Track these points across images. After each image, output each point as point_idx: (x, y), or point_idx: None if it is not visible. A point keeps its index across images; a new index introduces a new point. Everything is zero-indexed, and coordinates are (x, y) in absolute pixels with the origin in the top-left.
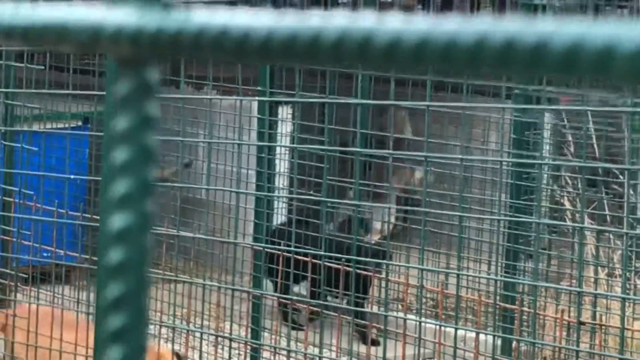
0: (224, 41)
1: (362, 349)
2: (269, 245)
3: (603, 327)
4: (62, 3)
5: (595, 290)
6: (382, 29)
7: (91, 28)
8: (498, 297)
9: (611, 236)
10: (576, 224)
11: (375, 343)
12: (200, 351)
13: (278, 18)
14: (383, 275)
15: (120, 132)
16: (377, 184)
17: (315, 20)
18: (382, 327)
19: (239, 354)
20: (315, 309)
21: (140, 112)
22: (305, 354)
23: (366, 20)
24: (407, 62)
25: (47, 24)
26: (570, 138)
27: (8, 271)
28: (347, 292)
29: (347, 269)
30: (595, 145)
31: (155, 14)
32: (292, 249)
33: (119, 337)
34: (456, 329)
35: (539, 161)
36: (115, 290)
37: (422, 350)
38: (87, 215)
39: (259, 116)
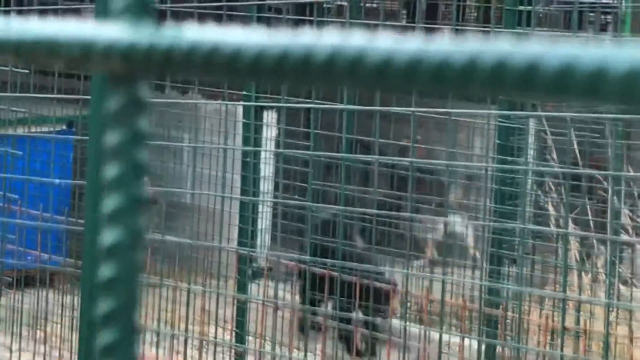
0: (216, 58)
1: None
2: (254, 250)
3: (587, 332)
4: (54, 18)
5: (579, 295)
6: (374, 48)
7: (82, 44)
8: (482, 302)
9: (595, 241)
10: (560, 230)
11: (359, 353)
12: (185, 355)
13: (270, 36)
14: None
15: (112, 148)
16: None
17: (306, 38)
18: (367, 331)
19: (223, 358)
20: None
21: (131, 127)
22: (290, 358)
23: (358, 39)
24: (398, 82)
25: (38, 39)
26: (553, 144)
27: None
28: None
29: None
30: (577, 152)
31: (147, 30)
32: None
33: (110, 353)
34: (441, 334)
35: (524, 167)
36: (105, 305)
37: (407, 354)
38: (71, 219)
39: (245, 121)
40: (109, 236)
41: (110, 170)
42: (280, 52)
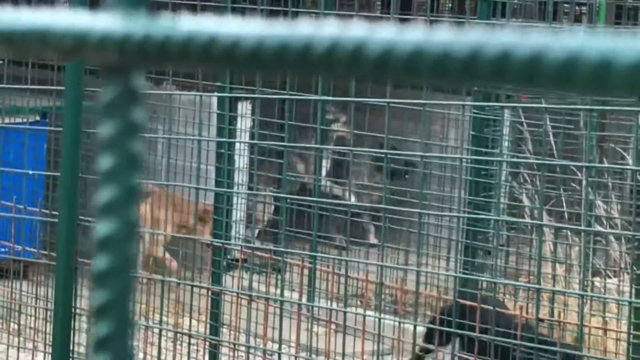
0: (213, 49)
1: (321, 344)
2: (228, 242)
3: (561, 323)
4: (47, 9)
5: (553, 286)
6: (374, 38)
7: (76, 34)
8: (457, 294)
9: (569, 233)
10: (535, 221)
11: None
12: (159, 347)
13: (268, 26)
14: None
15: (106, 139)
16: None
17: (306, 28)
18: (341, 323)
19: (197, 350)
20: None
21: (126, 118)
22: (264, 350)
23: (358, 30)
24: (399, 73)
25: (31, 29)
26: (528, 135)
27: None
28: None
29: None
30: (553, 143)
31: (142, 20)
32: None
33: (105, 345)
34: (415, 325)
35: (498, 158)
36: (101, 297)
37: (381, 346)
38: (45, 210)
39: (219, 112)
40: (103, 228)
41: (105, 162)
42: (279, 42)
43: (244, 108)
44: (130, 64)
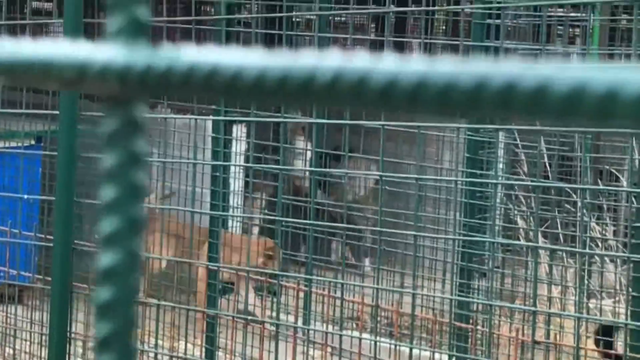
0: (214, 79)
1: None
2: (224, 265)
3: (557, 345)
4: (48, 40)
5: (549, 308)
6: (378, 69)
7: (78, 65)
8: (452, 316)
9: (564, 255)
10: (530, 243)
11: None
12: None
13: (270, 57)
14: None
15: (109, 170)
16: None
17: (308, 59)
18: (336, 346)
19: None
20: None
21: (128, 149)
22: None
23: (362, 61)
24: (403, 104)
25: (32, 60)
26: (523, 157)
27: None
28: None
29: None
30: (547, 165)
31: (143, 51)
32: None
33: None
34: (411, 348)
35: (493, 180)
36: (103, 329)
37: None
38: (40, 235)
39: (214, 135)
40: (106, 259)
41: (108, 192)
42: (281, 73)
43: (239, 131)
44: (132, 94)
